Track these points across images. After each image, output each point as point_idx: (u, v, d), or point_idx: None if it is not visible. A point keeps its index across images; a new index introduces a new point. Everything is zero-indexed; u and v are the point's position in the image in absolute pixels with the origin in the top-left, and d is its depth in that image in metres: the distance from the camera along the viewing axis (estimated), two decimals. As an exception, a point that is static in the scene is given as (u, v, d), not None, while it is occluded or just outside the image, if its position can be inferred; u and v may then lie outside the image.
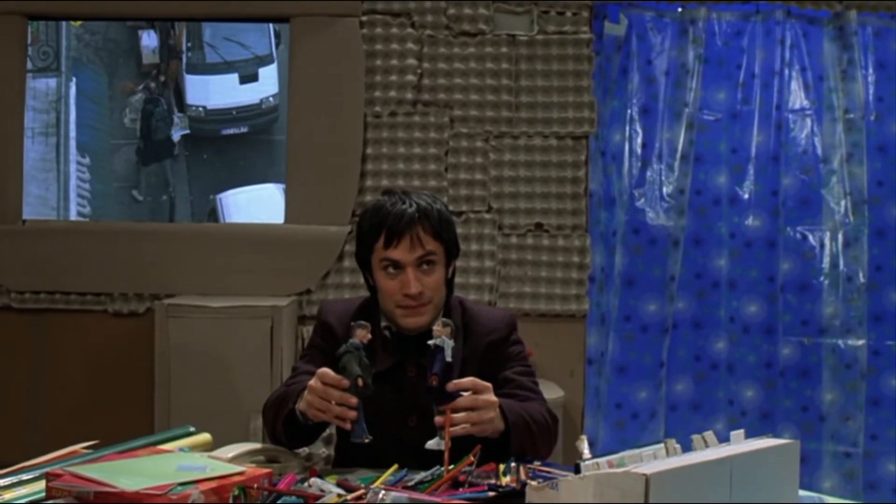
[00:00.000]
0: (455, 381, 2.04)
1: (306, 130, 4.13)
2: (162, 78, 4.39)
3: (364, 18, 4.12)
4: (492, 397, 2.10)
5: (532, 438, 2.19)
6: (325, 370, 2.09)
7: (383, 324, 2.35)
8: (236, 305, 3.86)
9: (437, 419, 2.02)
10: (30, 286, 4.17)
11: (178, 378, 3.80)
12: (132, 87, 4.38)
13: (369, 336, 2.08)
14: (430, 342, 2.03)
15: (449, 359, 2.01)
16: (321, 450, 2.42)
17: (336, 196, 4.11)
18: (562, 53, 4.08)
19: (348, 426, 2.05)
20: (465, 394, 2.05)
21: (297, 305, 4.09)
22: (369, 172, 4.13)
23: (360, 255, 2.36)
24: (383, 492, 1.78)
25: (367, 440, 2.05)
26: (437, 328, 2.04)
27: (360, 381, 2.02)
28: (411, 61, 4.11)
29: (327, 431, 2.44)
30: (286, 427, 2.22)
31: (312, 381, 2.09)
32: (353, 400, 2.03)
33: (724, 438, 1.81)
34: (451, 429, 1.98)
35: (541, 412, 2.25)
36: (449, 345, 2.01)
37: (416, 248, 2.27)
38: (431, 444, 2.00)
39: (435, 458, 1.99)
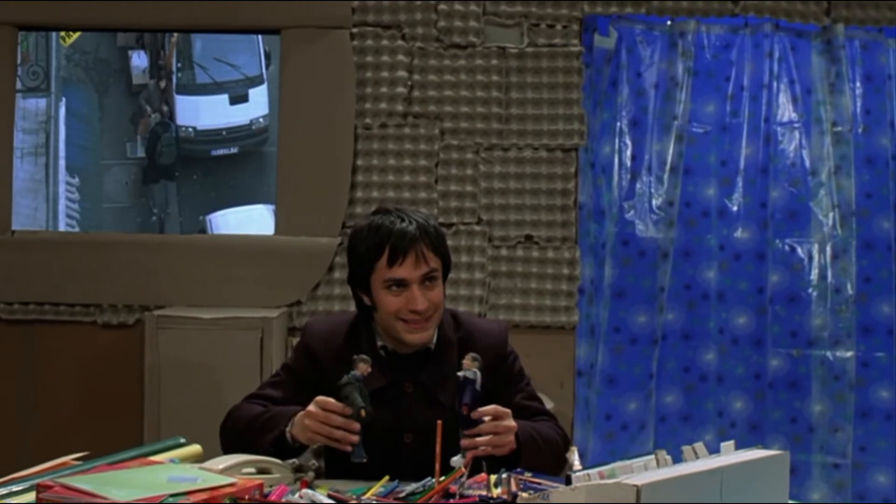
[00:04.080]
0: (479, 410, 2.14)
1: (297, 142, 4.14)
2: (164, 106, 4.39)
3: (355, 30, 4.13)
4: (511, 423, 2.19)
5: (542, 456, 2.26)
6: (326, 399, 2.17)
7: (379, 343, 2.36)
8: (226, 317, 3.86)
9: (463, 442, 2.12)
10: (19, 297, 4.16)
11: (168, 389, 3.79)
12: (147, 123, 4.38)
13: (370, 370, 2.17)
14: (459, 374, 2.15)
15: (478, 388, 2.14)
16: (312, 462, 2.42)
17: (326, 208, 4.12)
18: (552, 66, 4.10)
19: (349, 449, 2.15)
20: (486, 419, 2.15)
21: (287, 317, 4.09)
22: (360, 184, 4.14)
23: (358, 276, 2.35)
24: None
25: (364, 460, 2.15)
26: (466, 361, 2.15)
27: (363, 412, 2.13)
28: (402, 73, 4.12)
29: (315, 444, 2.46)
30: (272, 448, 2.25)
31: (312, 408, 2.18)
32: (356, 426, 2.14)
33: (713, 450, 1.82)
34: (475, 451, 2.13)
35: (551, 434, 2.34)
36: (479, 376, 2.14)
37: (421, 266, 2.28)
38: (455, 461, 2.07)
39: (430, 474, 2.00)
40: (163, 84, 4.41)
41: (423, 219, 2.33)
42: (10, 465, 2.12)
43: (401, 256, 2.27)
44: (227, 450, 2.34)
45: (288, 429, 2.24)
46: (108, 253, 4.15)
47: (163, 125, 4.39)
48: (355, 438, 2.14)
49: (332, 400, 2.16)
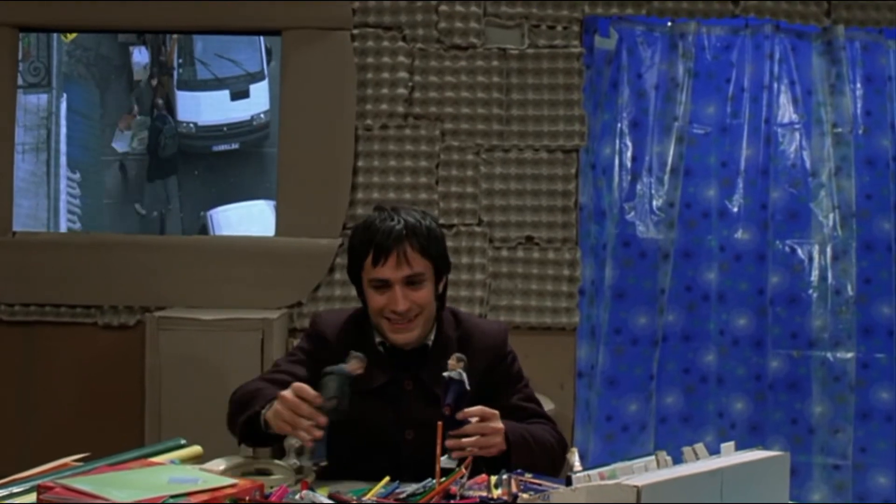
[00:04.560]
0: (465, 410, 2.11)
1: (297, 143, 4.14)
2: (159, 100, 4.40)
3: (355, 31, 4.13)
4: (498, 424, 2.16)
5: (534, 458, 2.23)
6: (302, 385, 2.11)
7: (378, 339, 2.36)
8: (227, 318, 3.86)
9: (448, 443, 2.08)
10: (19, 298, 4.16)
11: (168, 390, 3.79)
12: (131, 119, 4.39)
13: (361, 371, 2.14)
14: (444, 374, 2.11)
15: (467, 387, 2.12)
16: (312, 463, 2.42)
17: (327, 209, 4.12)
18: (552, 67, 4.10)
19: (310, 444, 2.08)
20: (473, 420, 2.13)
21: (287, 318, 4.09)
22: (360, 185, 4.14)
23: (352, 271, 2.37)
24: (375, 504, 1.79)
25: (323, 463, 2.10)
26: (451, 362, 2.12)
27: (333, 402, 2.07)
28: (402, 74, 4.12)
29: (284, 434, 2.43)
30: (245, 427, 2.23)
31: (286, 393, 2.11)
32: (323, 419, 2.07)
33: (713, 451, 1.82)
34: (461, 452, 2.09)
35: (545, 436, 2.32)
36: (464, 376, 2.11)
37: (403, 267, 2.28)
38: (443, 461, 2.04)
39: (431, 472, 1.99)
40: (154, 82, 4.41)
41: (416, 219, 2.32)
42: (11, 466, 2.12)
43: (383, 257, 2.27)
44: (227, 423, 2.33)
45: (264, 411, 2.18)
46: (109, 254, 4.15)
47: (161, 119, 4.39)
48: (318, 433, 2.07)
49: (308, 388, 2.10)
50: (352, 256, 2.35)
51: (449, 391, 2.11)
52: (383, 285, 2.29)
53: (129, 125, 4.40)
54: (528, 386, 2.46)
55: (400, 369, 2.35)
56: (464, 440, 2.09)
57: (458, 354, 2.14)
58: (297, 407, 2.08)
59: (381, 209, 2.35)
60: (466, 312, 2.58)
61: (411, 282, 2.29)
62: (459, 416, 2.11)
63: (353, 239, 2.36)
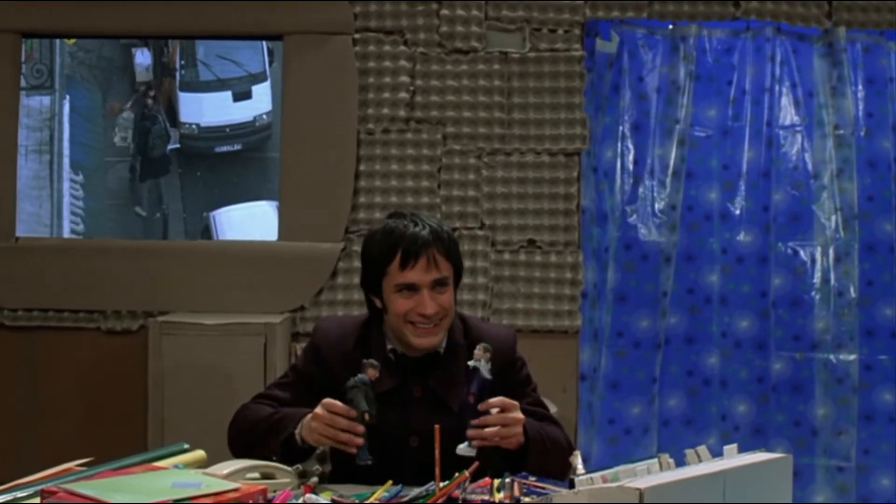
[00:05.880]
0: (486, 401, 2.16)
1: (299, 148, 4.15)
2: (152, 93, 4.41)
3: (357, 36, 4.13)
4: (519, 415, 2.20)
5: (548, 456, 2.25)
6: (332, 401, 2.18)
7: (389, 346, 2.37)
8: (230, 322, 3.86)
9: (470, 432, 2.14)
10: (22, 304, 4.17)
11: (171, 395, 3.80)
12: (120, 106, 4.40)
13: (377, 375, 2.20)
14: (469, 363, 2.18)
15: (489, 376, 2.17)
16: (315, 467, 2.43)
17: (329, 213, 4.12)
18: (554, 70, 4.11)
19: (354, 451, 2.17)
20: (494, 410, 2.16)
21: (290, 322, 4.09)
22: (362, 189, 4.14)
23: (370, 280, 2.36)
24: (378, 508, 1.79)
25: (369, 462, 2.18)
26: (478, 352, 2.18)
27: (366, 416, 2.17)
28: (404, 78, 4.13)
29: (319, 449, 2.46)
30: (281, 449, 2.26)
31: (319, 410, 2.19)
32: (361, 428, 2.17)
33: (716, 453, 1.82)
34: (482, 441, 2.14)
35: (558, 437, 2.34)
36: (486, 367, 2.17)
37: (432, 271, 2.29)
38: (462, 448, 2.12)
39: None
40: (144, 88, 4.42)
41: (436, 224, 2.34)
42: (15, 471, 2.13)
43: (412, 260, 2.27)
44: (234, 449, 2.34)
45: (297, 431, 2.24)
46: (112, 259, 4.16)
47: (150, 119, 4.39)
48: (359, 441, 2.15)
49: (337, 402, 2.17)
50: (372, 263, 2.34)
51: (473, 380, 2.16)
52: (411, 289, 2.29)
53: (119, 111, 4.40)
54: (536, 391, 2.47)
55: (409, 375, 2.35)
56: (485, 431, 2.13)
57: (484, 345, 2.18)
58: (333, 422, 2.17)
59: (401, 215, 2.36)
60: (473, 317, 2.59)
61: (438, 285, 2.30)
62: (481, 407, 2.14)
63: (371, 245, 2.35)
